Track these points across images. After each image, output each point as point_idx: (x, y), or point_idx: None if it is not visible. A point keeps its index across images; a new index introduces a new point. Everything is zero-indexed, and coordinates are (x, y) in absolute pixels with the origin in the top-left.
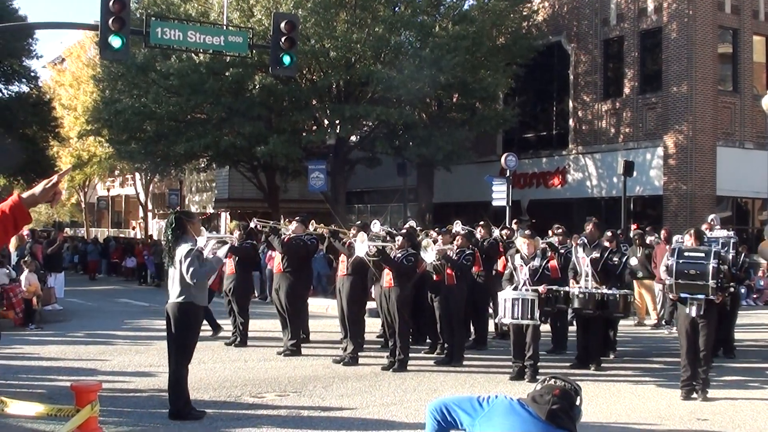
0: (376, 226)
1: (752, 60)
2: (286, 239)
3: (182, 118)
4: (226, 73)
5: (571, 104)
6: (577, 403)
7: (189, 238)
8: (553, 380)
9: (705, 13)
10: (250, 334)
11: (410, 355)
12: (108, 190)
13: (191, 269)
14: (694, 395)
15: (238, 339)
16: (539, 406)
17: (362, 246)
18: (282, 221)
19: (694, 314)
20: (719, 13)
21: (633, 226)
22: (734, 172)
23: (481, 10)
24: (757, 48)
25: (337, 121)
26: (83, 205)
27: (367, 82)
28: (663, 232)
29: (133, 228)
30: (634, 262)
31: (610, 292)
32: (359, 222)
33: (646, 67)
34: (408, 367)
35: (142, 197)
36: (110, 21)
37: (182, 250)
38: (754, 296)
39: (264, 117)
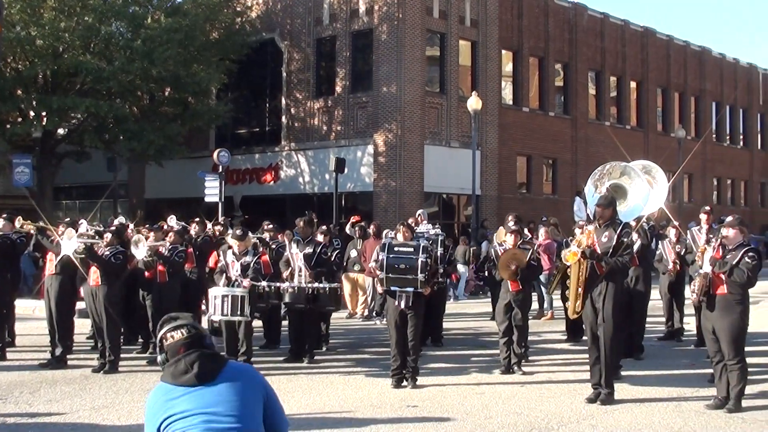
0: (83, 226)
1: (458, 63)
2: None
3: None
4: None
5: (284, 101)
6: None
7: None
8: None
9: (414, 17)
10: None
11: (122, 355)
12: None
13: None
14: (405, 383)
15: None
16: None
17: (70, 243)
18: None
19: (402, 306)
20: (428, 18)
21: (355, 218)
22: (441, 169)
23: (195, 3)
24: (463, 52)
25: (44, 113)
26: None
27: (75, 72)
28: (372, 226)
29: None
30: (354, 254)
31: (320, 285)
32: (67, 219)
33: (358, 67)
34: (119, 368)
35: None
36: None
37: None
38: None
39: None
